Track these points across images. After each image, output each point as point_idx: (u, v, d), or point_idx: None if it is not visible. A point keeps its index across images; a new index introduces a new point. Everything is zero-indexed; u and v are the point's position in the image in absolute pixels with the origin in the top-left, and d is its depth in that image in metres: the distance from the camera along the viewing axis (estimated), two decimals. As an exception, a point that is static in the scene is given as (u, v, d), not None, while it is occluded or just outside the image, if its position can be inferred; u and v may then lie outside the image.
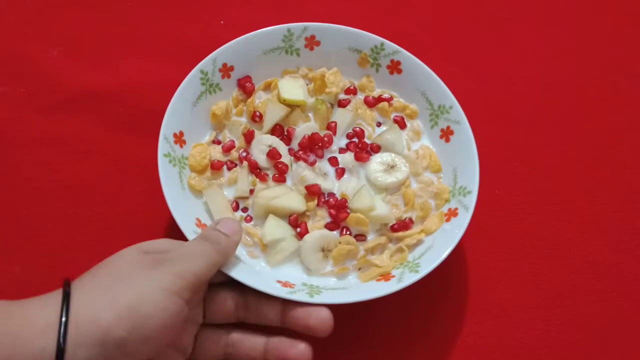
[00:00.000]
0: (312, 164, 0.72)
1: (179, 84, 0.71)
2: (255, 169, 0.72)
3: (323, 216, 0.71)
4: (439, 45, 0.92)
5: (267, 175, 0.72)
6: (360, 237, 0.70)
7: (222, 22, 0.90)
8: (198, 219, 0.67)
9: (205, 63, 0.73)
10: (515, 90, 0.90)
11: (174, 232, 0.73)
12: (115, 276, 0.53)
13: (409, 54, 0.77)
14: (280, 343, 0.59)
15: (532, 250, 0.77)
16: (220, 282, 0.62)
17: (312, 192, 0.70)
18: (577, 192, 0.81)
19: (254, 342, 0.60)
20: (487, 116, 0.86)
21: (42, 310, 0.49)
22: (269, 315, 0.61)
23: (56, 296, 0.50)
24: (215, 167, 0.72)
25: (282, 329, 0.61)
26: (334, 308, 0.70)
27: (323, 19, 0.78)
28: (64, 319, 0.48)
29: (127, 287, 0.51)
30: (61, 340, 0.47)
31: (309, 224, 0.70)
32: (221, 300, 0.61)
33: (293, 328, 0.60)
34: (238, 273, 0.61)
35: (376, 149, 0.76)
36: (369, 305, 0.70)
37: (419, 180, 0.74)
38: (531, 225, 0.78)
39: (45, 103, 0.80)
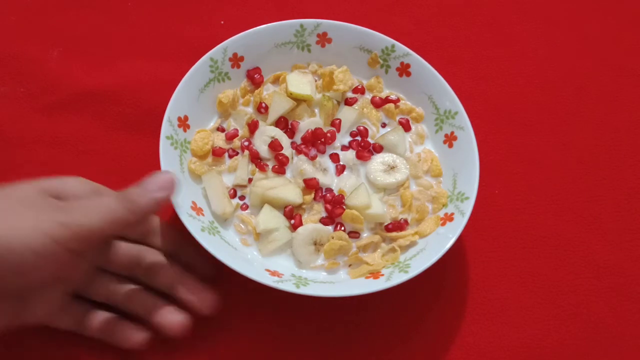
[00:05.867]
0: (312, 158, 0.73)
1: (179, 83, 0.71)
2: (255, 159, 0.73)
3: (319, 210, 0.71)
4: (438, 45, 0.92)
5: (267, 165, 0.72)
6: (354, 234, 0.70)
7: (222, 22, 0.91)
8: (194, 202, 0.67)
9: (215, 51, 0.74)
10: (515, 90, 0.90)
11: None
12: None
13: (419, 57, 0.77)
14: (165, 307, 0.61)
15: (532, 250, 0.77)
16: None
17: (310, 185, 0.71)
18: (577, 192, 0.81)
19: (143, 299, 0.62)
20: (487, 116, 0.86)
21: None
22: (159, 280, 0.62)
23: None
24: (217, 153, 0.73)
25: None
26: (332, 305, 0.70)
27: (323, 19, 0.78)
28: None
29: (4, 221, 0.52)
30: None
31: (304, 217, 0.70)
32: (115, 252, 0.62)
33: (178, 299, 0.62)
34: (225, 256, 0.61)
35: (378, 148, 0.76)
36: (368, 304, 0.71)
37: (419, 183, 0.74)
38: (531, 225, 0.78)
39: (45, 103, 0.80)
